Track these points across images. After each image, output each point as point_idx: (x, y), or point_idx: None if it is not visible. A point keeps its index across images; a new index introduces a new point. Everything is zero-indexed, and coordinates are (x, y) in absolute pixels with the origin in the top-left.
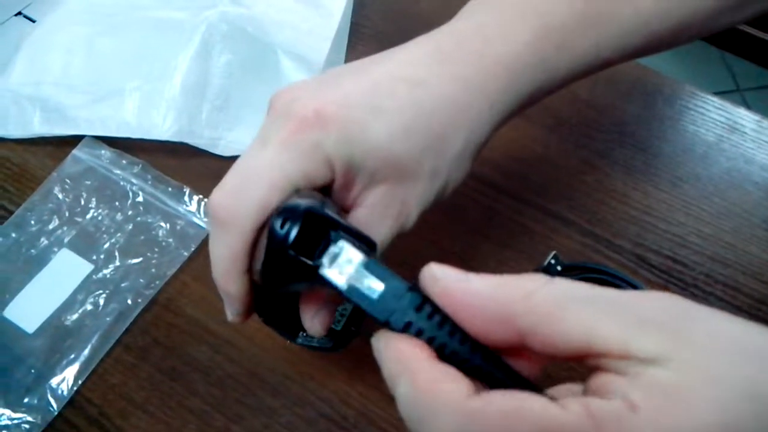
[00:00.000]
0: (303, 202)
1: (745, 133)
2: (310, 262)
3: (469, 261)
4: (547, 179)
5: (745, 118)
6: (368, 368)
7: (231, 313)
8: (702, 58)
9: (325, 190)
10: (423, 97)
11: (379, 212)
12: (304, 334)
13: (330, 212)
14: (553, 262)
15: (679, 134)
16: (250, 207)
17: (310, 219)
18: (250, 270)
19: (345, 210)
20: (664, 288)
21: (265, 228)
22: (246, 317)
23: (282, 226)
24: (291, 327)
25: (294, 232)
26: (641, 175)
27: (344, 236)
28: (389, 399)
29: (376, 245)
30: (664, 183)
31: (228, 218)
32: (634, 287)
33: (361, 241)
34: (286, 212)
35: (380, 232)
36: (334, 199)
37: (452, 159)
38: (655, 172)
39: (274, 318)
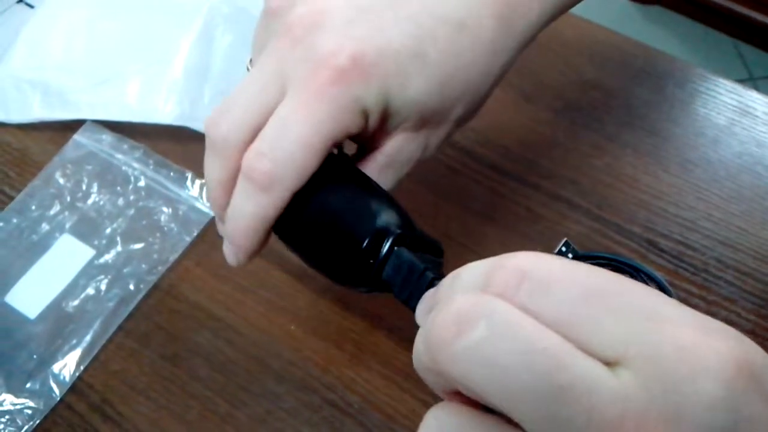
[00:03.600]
0: (392, 221)
1: (757, 116)
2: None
3: (473, 245)
4: (555, 163)
5: (757, 101)
6: (373, 355)
7: (236, 260)
8: (714, 46)
9: None
10: (464, 46)
11: (403, 156)
12: None
13: (415, 231)
14: (564, 249)
15: (689, 118)
16: (291, 174)
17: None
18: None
19: (368, 149)
20: (674, 273)
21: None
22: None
23: (371, 244)
24: None
25: (383, 254)
26: (651, 158)
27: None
28: (395, 386)
29: (443, 252)
30: (674, 167)
31: (266, 182)
32: (650, 277)
33: (431, 253)
34: (378, 236)
35: (401, 171)
36: (356, 141)
37: (478, 102)
38: (665, 156)
39: None
